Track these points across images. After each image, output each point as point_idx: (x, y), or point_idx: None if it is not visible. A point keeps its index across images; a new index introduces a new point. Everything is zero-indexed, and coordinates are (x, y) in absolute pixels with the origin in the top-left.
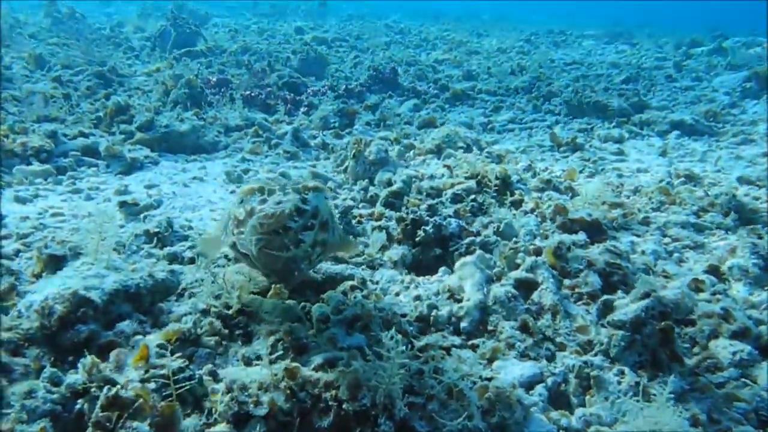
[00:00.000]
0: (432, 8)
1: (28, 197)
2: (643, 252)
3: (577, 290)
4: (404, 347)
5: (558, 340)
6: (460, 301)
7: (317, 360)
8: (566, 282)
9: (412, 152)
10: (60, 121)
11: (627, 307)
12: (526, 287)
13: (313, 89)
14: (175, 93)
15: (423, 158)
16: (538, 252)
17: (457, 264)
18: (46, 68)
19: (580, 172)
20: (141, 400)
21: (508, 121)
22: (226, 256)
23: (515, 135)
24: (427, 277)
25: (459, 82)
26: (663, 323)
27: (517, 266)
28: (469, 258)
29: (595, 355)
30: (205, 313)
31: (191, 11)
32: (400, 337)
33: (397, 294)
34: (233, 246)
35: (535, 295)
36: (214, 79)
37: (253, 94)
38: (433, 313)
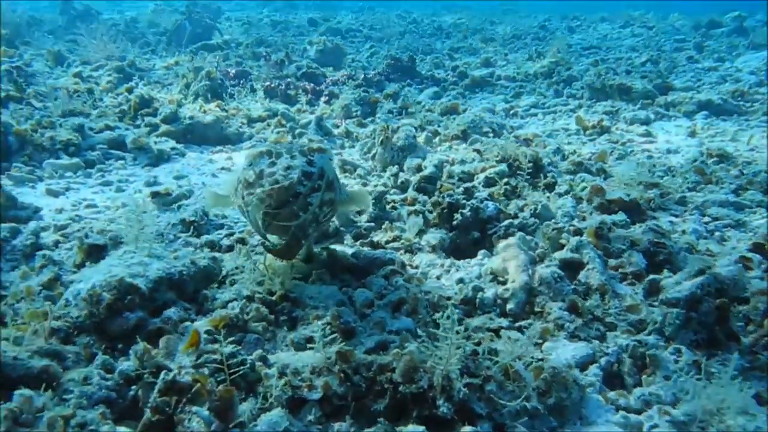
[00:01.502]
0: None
1: (60, 190)
2: (684, 231)
3: (621, 270)
4: (460, 327)
5: (608, 320)
6: (503, 283)
7: (368, 343)
8: (610, 262)
9: (437, 138)
10: (85, 115)
11: (681, 284)
12: (570, 267)
13: (332, 79)
14: (195, 85)
15: (449, 144)
16: (578, 233)
17: (500, 246)
18: (65, 64)
19: (610, 154)
20: (198, 384)
21: (531, 106)
22: (263, 244)
23: (539, 119)
24: (466, 260)
25: (477, 69)
26: (719, 300)
27: (561, 247)
28: (511, 240)
29: (649, 334)
30: (249, 299)
31: (204, 5)
32: (456, 316)
33: (438, 278)
34: (241, 207)
35: (581, 276)
36: (233, 71)
37: (272, 85)
38: (479, 296)
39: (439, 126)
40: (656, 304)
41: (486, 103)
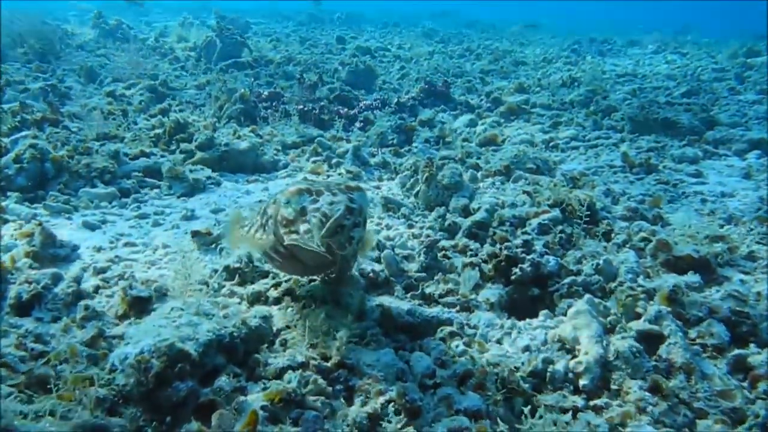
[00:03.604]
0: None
1: (96, 223)
2: (759, 294)
3: (699, 341)
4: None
5: (696, 405)
6: (571, 351)
7: (440, 429)
8: (689, 333)
9: (479, 174)
10: (119, 138)
11: None
12: (648, 339)
13: (366, 103)
14: (229, 108)
15: (492, 179)
16: (650, 295)
17: (571, 311)
18: (97, 81)
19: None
20: None
21: (571, 139)
22: (312, 296)
23: (581, 153)
24: (528, 321)
25: (512, 95)
26: None
27: (636, 314)
28: (581, 305)
29: (750, 428)
30: (304, 366)
31: (232, 20)
32: (549, 416)
33: (499, 341)
34: (274, 244)
35: (662, 350)
36: (266, 93)
37: (306, 109)
38: (549, 369)
39: (478, 159)
40: (745, 383)
41: (523, 133)
